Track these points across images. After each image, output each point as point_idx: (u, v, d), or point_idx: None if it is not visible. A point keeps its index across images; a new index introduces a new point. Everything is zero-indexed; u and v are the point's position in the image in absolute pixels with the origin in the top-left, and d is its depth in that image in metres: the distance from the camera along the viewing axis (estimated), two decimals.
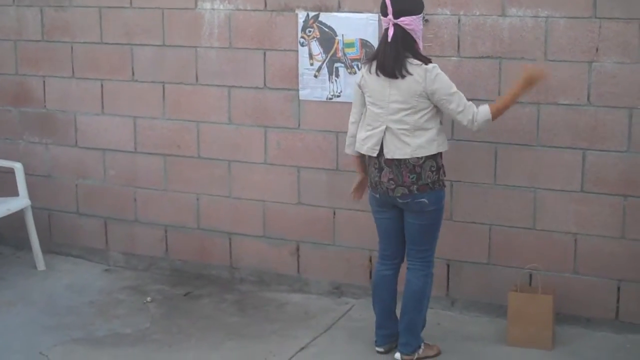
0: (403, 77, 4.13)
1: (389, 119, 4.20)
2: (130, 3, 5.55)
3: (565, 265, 4.82)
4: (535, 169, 4.78)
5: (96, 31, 5.69)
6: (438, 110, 4.19)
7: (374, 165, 4.30)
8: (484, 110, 4.15)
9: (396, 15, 4.11)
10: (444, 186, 4.31)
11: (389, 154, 4.22)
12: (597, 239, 4.73)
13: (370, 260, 5.24)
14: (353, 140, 4.40)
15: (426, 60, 4.16)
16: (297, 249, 5.44)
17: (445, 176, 4.32)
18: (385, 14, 4.16)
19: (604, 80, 4.56)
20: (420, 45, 4.20)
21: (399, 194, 4.24)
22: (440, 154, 4.25)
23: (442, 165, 4.28)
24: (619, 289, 4.74)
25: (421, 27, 4.18)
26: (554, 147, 4.72)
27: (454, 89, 4.14)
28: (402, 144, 4.18)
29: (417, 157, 4.17)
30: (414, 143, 4.16)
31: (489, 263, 4.98)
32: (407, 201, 4.25)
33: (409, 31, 4.10)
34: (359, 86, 4.31)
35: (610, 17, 4.49)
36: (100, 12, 5.65)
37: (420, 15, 4.15)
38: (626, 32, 4.48)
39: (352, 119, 4.41)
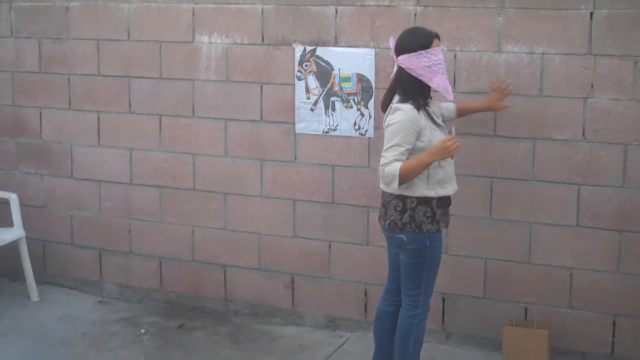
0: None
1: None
2: (128, 36, 5.59)
3: (561, 299, 4.83)
4: (530, 203, 4.80)
5: (93, 63, 5.72)
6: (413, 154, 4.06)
7: None
8: (395, 164, 3.95)
9: (396, 54, 4.13)
10: (426, 230, 4.09)
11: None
12: (593, 274, 4.75)
13: (366, 294, 5.25)
14: None
15: (407, 100, 4.06)
16: (292, 282, 5.44)
17: (431, 222, 4.11)
18: None
19: (599, 116, 4.61)
20: (434, 81, 4.06)
21: (382, 225, 4.27)
22: (416, 198, 4.09)
23: (414, 209, 4.08)
24: (614, 323, 4.75)
25: (423, 64, 4.04)
26: (549, 182, 4.75)
27: (395, 140, 3.98)
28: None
29: (388, 193, 4.16)
30: None
31: (484, 297, 4.98)
32: (389, 235, 4.24)
33: (406, 69, 4.08)
34: None
35: (605, 54, 4.54)
36: (98, 45, 5.68)
37: (415, 53, 4.04)
38: (621, 69, 4.53)
39: None
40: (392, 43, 4.19)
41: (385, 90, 4.30)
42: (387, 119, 4.08)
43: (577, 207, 4.72)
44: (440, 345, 5.07)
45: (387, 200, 4.17)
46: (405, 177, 3.98)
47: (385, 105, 4.19)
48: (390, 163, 3.98)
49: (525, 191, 4.80)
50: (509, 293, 4.90)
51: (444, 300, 5.07)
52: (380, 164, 4.02)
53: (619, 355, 4.76)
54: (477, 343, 5.03)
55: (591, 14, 4.54)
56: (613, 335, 4.76)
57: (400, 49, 4.10)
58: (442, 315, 5.09)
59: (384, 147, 4.03)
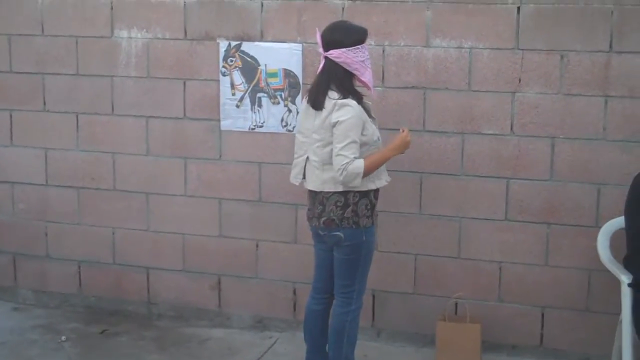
0: (322, 109, 4.08)
1: (310, 149, 4.15)
2: (42, 30, 5.35)
3: (491, 293, 4.85)
4: (460, 198, 4.81)
5: (4, 59, 5.46)
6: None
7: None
8: (358, 162, 3.93)
9: (325, 48, 4.04)
10: (362, 226, 4.08)
11: (307, 183, 4.20)
12: (521, 267, 4.79)
13: (295, 293, 5.17)
14: None
15: (347, 95, 4.02)
16: (219, 283, 5.31)
17: (369, 215, 4.11)
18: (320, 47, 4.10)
19: (527, 110, 4.64)
20: (365, 76, 4.06)
21: (314, 224, 4.20)
22: (359, 192, 4.07)
23: (357, 203, 4.07)
24: (543, 315, 4.80)
25: (359, 59, 4.02)
26: (478, 177, 4.77)
27: (351, 137, 3.92)
28: (315, 175, 4.14)
29: (326, 190, 4.11)
30: (321, 177, 4.10)
31: (414, 293, 4.97)
32: (324, 233, 4.18)
33: (341, 64, 4.01)
34: None
35: (532, 48, 4.58)
36: (9, 40, 5.42)
37: (353, 48, 4.00)
38: (547, 63, 4.57)
39: None
40: (318, 36, 4.10)
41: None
42: (336, 115, 3.97)
43: (506, 201, 4.75)
44: (371, 343, 5.03)
45: (325, 197, 4.10)
46: (367, 173, 4.00)
47: (320, 100, 4.07)
48: (352, 161, 3.93)
49: (454, 186, 4.81)
50: (439, 288, 4.91)
51: (373, 297, 5.03)
52: (341, 162, 3.92)
53: (548, 346, 4.82)
54: (408, 339, 5.01)
55: (518, 8, 4.57)
56: (542, 327, 4.82)
57: (335, 43, 4.02)
58: (372, 312, 5.06)
59: (339, 145, 3.94)
